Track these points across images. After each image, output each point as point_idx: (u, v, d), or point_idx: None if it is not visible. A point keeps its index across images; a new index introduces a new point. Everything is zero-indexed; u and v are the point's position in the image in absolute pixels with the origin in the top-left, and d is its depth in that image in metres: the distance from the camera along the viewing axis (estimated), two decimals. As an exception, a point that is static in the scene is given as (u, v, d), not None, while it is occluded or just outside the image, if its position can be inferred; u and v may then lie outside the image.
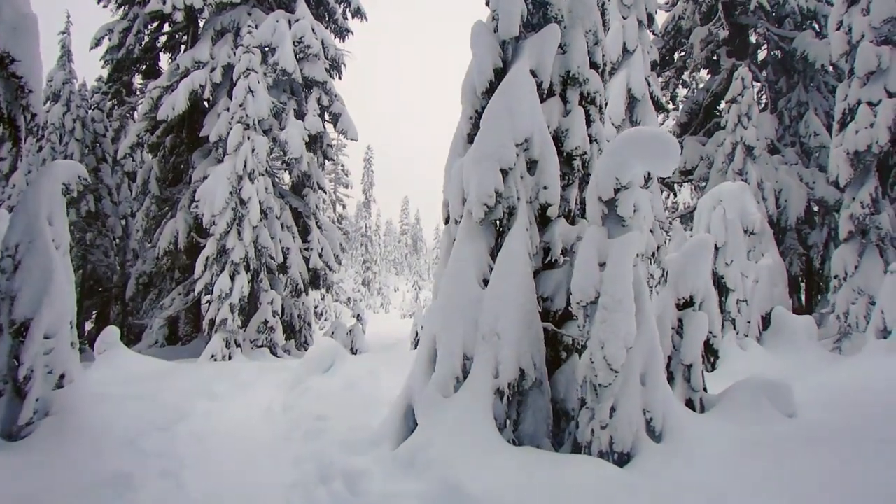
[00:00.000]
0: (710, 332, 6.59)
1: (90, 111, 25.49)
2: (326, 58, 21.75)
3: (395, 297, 63.69)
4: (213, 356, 16.94)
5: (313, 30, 20.81)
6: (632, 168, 5.42)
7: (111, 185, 26.06)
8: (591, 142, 6.79)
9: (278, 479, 6.56)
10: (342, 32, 23.80)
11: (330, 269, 22.29)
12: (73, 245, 24.63)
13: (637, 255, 5.48)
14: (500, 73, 6.53)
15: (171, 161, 23.35)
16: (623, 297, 5.34)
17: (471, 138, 6.78)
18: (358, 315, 21.97)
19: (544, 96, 6.61)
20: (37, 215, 6.64)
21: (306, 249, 21.79)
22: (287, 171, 22.70)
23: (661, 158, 5.31)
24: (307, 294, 22.64)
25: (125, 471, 6.12)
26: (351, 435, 7.37)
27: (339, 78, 23.57)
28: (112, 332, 13.90)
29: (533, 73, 6.42)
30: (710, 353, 6.74)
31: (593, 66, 6.73)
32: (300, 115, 21.34)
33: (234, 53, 19.95)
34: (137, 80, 25.07)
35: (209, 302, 17.77)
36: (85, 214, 24.64)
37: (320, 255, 21.87)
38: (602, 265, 5.54)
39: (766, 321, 12.42)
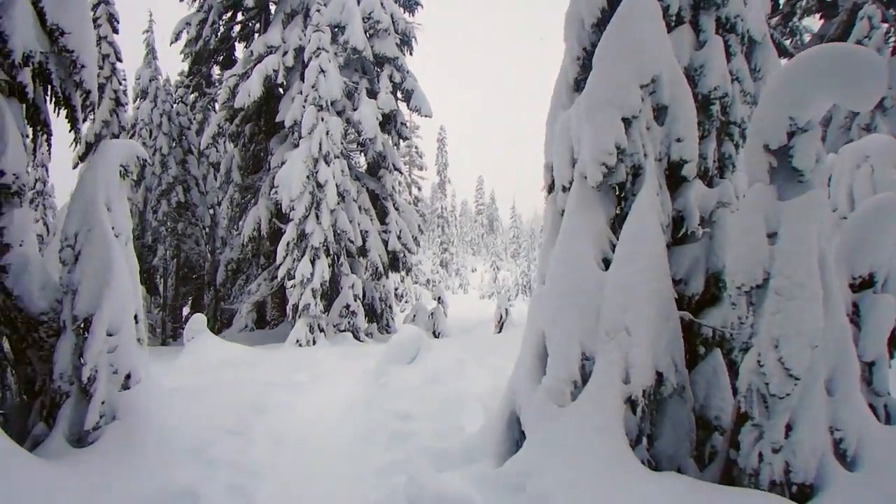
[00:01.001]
0: (897, 320, 4.84)
1: (174, 105, 25.08)
2: (396, 32, 20.35)
3: (473, 278, 62.31)
4: (297, 341, 16.05)
5: (382, 4, 19.45)
6: (814, 101, 3.77)
7: (198, 175, 25.64)
8: (732, 80, 5.12)
9: (359, 496, 5.33)
10: (411, 6, 22.32)
11: (409, 252, 21.09)
12: (166, 235, 24.38)
13: (822, 223, 3.86)
14: (613, -1, 4.94)
15: (251, 149, 22.61)
16: (806, 278, 3.73)
17: (578, 84, 5.24)
18: (439, 298, 20.69)
19: (672, 24, 4.98)
20: (94, 201, 5.52)
21: (384, 232, 20.65)
22: (362, 153, 21.54)
23: (859, 85, 3.64)
24: (387, 277, 21.53)
25: (191, 486, 5.04)
26: (440, 442, 6.05)
27: (410, 54, 22.14)
28: (199, 320, 13.19)
29: (657, -5, 4.81)
30: (896, 346, 4.99)
31: (735, -20, 5.07)
32: (372, 94, 20.09)
33: (305, 35, 18.86)
34: (216, 71, 24.41)
35: (293, 286, 16.85)
36: (175, 205, 24.31)
37: (399, 238, 20.67)
38: (771, 236, 3.93)
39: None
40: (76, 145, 5.90)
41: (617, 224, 4.77)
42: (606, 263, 4.64)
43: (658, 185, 4.77)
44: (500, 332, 17.89)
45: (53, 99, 5.76)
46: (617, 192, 4.84)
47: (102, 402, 5.03)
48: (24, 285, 5.15)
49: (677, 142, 4.88)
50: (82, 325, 5.09)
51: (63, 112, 5.96)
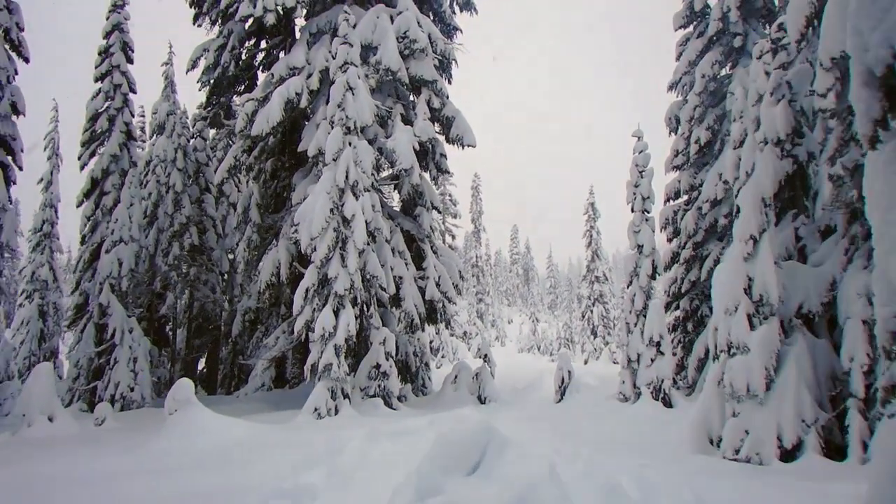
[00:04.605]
0: None
1: (192, 140, 22.84)
2: (435, 53, 17.83)
3: (510, 330, 58.89)
4: (316, 409, 13.07)
5: (419, 23, 17.00)
6: None
7: (215, 216, 23.20)
8: None
9: None
10: (450, 31, 19.89)
11: (449, 301, 18.11)
12: (178, 281, 21.79)
13: None
14: None
15: (273, 186, 20.09)
16: None
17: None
18: (485, 356, 17.54)
19: None
20: None
21: (421, 278, 17.76)
22: (396, 189, 18.86)
23: None
24: (423, 330, 18.55)
25: None
26: None
27: (449, 82, 19.66)
28: (184, 388, 10.22)
29: None
30: None
31: None
32: (408, 121, 17.50)
33: (332, 56, 16.48)
34: (237, 101, 22.15)
35: (313, 342, 13.95)
36: (189, 248, 21.79)
37: (437, 285, 17.74)
38: None
39: None
40: None
41: None
42: None
43: None
44: (561, 399, 14.69)
45: None
46: None
47: None
48: None
49: None
50: None
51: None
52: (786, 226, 9.43)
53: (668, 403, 12.05)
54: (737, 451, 8.13)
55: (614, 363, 37.03)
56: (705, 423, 8.95)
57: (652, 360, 12.47)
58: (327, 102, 16.45)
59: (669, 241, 17.84)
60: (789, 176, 9.33)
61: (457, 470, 5.67)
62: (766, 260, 8.43)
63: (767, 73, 9.36)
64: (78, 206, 20.72)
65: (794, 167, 9.37)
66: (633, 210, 15.48)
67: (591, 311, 41.05)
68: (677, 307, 17.00)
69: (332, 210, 13.49)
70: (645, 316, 14.13)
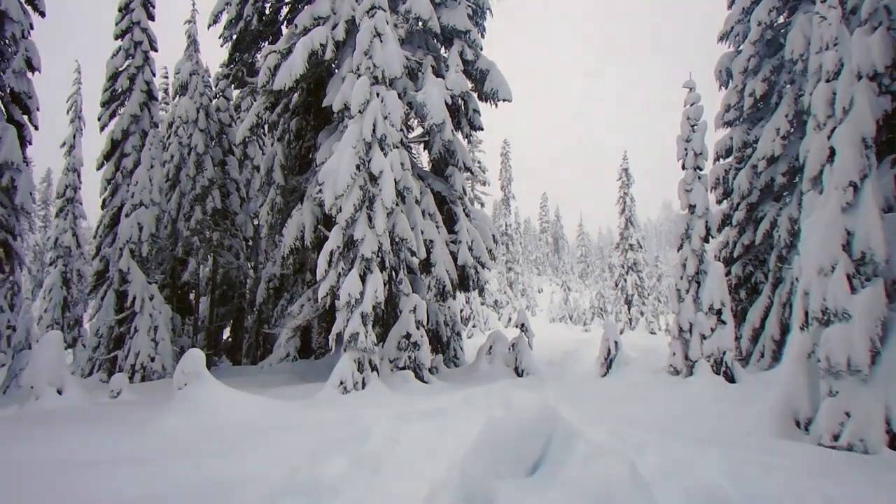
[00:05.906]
0: None
1: (214, 100, 21.74)
2: (468, 0, 16.40)
3: (541, 299, 57.58)
4: (341, 383, 12.05)
5: (452, -34, 15.59)
6: None
7: (239, 179, 22.20)
8: None
9: None
10: (482, -21, 18.31)
11: (482, 266, 16.92)
12: (200, 246, 20.88)
13: None
14: None
15: (297, 147, 18.95)
16: None
17: None
18: (522, 325, 16.38)
19: None
20: None
21: (453, 242, 16.59)
22: (426, 149, 17.60)
23: None
24: (454, 297, 17.43)
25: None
26: None
27: (483, 35, 18.18)
28: (194, 359, 9.21)
29: None
30: None
31: None
32: (439, 74, 16.17)
33: (358, 2, 15.14)
34: (260, 58, 20.94)
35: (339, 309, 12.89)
36: (211, 212, 20.81)
37: (470, 249, 16.56)
38: None
39: None
40: None
41: None
42: None
43: None
44: (607, 372, 13.51)
45: None
46: None
47: None
48: None
49: None
50: None
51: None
52: (884, 173, 8.01)
53: (730, 378, 10.78)
54: (836, 437, 6.96)
55: (651, 333, 35.85)
56: (790, 404, 7.71)
57: (712, 330, 11.19)
58: (353, 54, 15.21)
59: (719, 202, 16.55)
60: (888, 115, 7.87)
61: (512, 470, 4.50)
62: (870, 210, 7.12)
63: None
64: (98, 169, 19.96)
65: (892, 105, 7.91)
66: (684, 167, 14.07)
67: (625, 280, 39.59)
68: (728, 273, 15.70)
69: (358, 166, 12.33)
70: (698, 282, 12.86)
